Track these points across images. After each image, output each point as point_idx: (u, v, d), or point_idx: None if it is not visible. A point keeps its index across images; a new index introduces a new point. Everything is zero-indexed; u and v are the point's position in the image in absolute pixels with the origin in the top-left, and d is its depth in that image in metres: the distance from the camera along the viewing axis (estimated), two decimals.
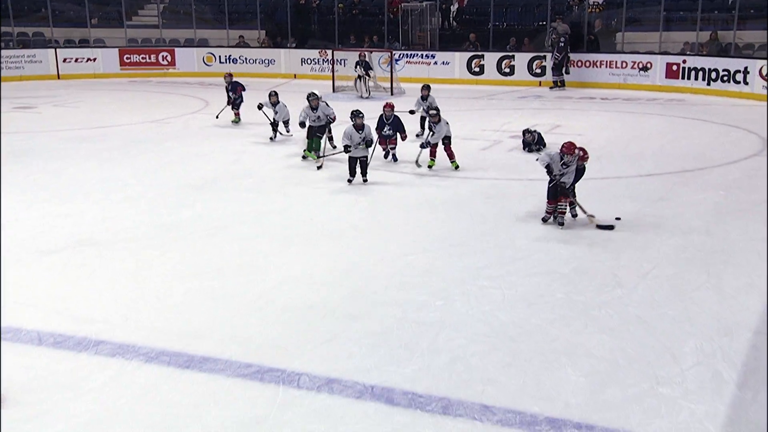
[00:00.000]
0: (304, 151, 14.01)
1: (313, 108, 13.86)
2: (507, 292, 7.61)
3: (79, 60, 28.76)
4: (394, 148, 13.66)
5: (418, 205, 10.95)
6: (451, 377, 5.92)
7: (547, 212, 9.78)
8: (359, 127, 11.80)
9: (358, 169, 11.94)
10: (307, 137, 14.02)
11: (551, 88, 24.89)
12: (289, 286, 7.85)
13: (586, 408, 5.46)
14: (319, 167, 13.10)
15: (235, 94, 17.76)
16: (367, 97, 22.90)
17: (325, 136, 14.24)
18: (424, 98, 15.22)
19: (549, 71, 25.09)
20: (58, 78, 28.13)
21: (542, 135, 14.79)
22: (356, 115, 11.93)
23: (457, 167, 12.90)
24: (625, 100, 22.05)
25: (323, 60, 27.86)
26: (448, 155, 12.91)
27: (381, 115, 13.52)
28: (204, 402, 5.58)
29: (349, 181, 11.96)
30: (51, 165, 13.92)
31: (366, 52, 24.39)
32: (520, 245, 9.07)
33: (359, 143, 11.76)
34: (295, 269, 8.33)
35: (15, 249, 8.99)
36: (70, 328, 6.77)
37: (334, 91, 24.33)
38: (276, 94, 15.71)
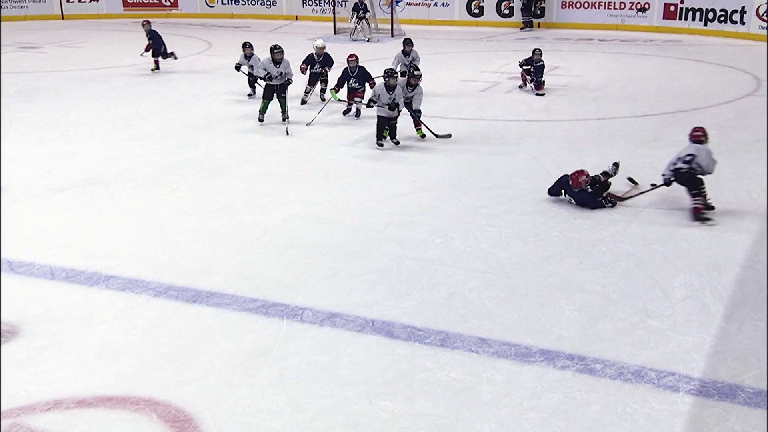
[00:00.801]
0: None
1: (276, 62, 12.21)
2: (504, 230, 7.77)
3: (82, 0, 28.56)
4: (360, 101, 12.62)
5: (417, 146, 11.07)
6: (449, 312, 6.10)
7: (698, 207, 8.03)
8: (391, 88, 10.71)
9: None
10: (264, 97, 12.49)
11: (521, 29, 24.81)
12: (292, 224, 8.02)
13: (578, 340, 5.65)
14: (287, 133, 11.87)
15: (157, 42, 17.32)
16: (367, 41, 22.82)
17: (307, 91, 13.74)
18: (406, 53, 14.06)
19: (518, 12, 25.25)
20: (62, 18, 28.01)
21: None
22: (390, 74, 10.87)
23: (423, 136, 11.52)
24: (623, 42, 22.03)
25: (324, 1, 27.68)
26: (415, 123, 11.55)
27: (345, 68, 12.94)
28: (211, 334, 5.77)
29: (380, 144, 10.95)
30: (58, 104, 14.07)
31: None
32: (517, 184, 9.21)
33: (386, 103, 10.72)
34: (298, 208, 8.49)
35: (25, 187, 9.18)
36: (81, 263, 6.96)
37: (335, 33, 24.25)
38: (251, 45, 14.37)
